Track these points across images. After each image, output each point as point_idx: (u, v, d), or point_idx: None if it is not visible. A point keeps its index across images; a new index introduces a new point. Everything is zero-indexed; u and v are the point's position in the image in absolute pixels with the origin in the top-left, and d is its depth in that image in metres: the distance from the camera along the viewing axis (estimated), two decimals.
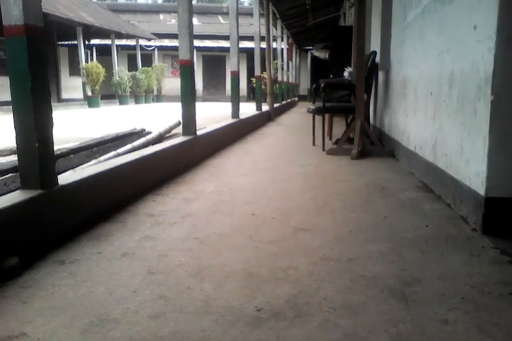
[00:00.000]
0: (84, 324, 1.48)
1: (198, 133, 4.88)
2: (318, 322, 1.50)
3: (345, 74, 6.66)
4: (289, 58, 19.86)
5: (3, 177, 2.90)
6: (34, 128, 2.11)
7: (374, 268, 1.93)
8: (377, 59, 6.03)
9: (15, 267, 1.83)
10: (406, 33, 4.56)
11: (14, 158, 3.03)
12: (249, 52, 18.98)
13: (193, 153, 4.57)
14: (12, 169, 3.03)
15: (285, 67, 18.67)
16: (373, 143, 5.26)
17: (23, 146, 2.16)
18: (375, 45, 6.64)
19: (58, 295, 1.69)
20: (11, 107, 2.15)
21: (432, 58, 3.45)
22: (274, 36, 15.16)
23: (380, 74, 6.14)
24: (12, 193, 2.21)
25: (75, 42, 18.79)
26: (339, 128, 6.77)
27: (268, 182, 3.74)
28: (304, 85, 28.13)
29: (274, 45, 15.86)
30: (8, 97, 2.14)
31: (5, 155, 3.83)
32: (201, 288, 1.74)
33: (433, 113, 3.40)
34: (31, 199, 2.07)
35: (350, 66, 6.86)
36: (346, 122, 6.34)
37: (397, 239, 2.31)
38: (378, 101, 6.30)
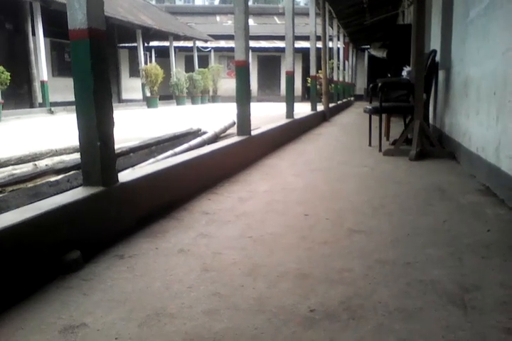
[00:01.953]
0: (141, 317, 1.53)
1: (253, 133, 4.91)
2: (372, 325, 1.47)
3: (404, 73, 6.50)
4: (346, 57, 19.59)
5: (67, 174, 3.03)
6: (96, 128, 2.20)
7: (432, 272, 1.88)
8: (438, 58, 5.84)
9: (77, 260, 1.91)
10: (468, 31, 4.39)
11: (77, 156, 3.16)
12: (304, 52, 18.88)
13: (247, 153, 4.60)
14: (75, 167, 3.17)
15: (341, 67, 18.44)
16: (433, 144, 5.10)
17: (85, 145, 2.25)
18: (435, 43, 6.43)
19: (117, 288, 1.75)
20: (74, 107, 2.25)
21: (497, 56, 3.30)
22: (330, 35, 15.00)
23: (440, 74, 5.94)
24: (75, 190, 2.31)
25: (135, 44, 19.39)
26: (397, 128, 6.62)
27: (322, 183, 3.70)
28: (361, 85, 27.68)
29: (330, 44, 15.70)
30: (72, 98, 2.24)
31: (68, 153, 4.01)
32: (254, 287, 1.75)
33: (496, 113, 3.25)
34: (93, 195, 2.16)
35: (409, 65, 6.69)
36: (404, 122, 6.18)
37: (456, 244, 2.23)
38: (438, 101, 6.10)
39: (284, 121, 7.10)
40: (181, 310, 1.58)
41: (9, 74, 10.45)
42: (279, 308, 1.58)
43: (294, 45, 7.77)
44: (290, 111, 7.53)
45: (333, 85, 15.81)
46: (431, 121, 6.47)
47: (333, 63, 16.92)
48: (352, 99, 22.10)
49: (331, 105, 12.04)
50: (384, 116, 6.18)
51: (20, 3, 12.86)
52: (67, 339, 1.39)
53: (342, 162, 4.72)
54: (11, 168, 3.33)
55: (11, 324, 1.47)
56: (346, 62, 19.99)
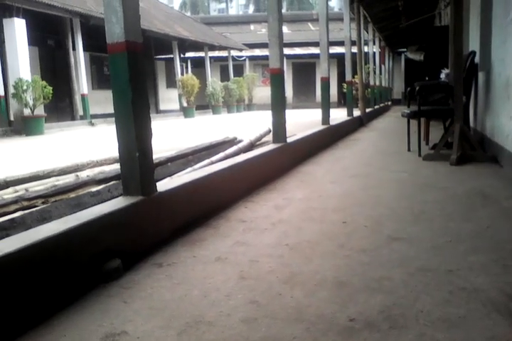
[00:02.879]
0: (180, 325, 1.54)
1: (288, 140, 4.90)
2: (414, 335, 1.43)
3: (442, 76, 6.36)
4: (382, 62, 19.36)
5: (107, 184, 3.11)
6: (135, 138, 2.24)
7: (475, 280, 1.81)
8: (477, 59, 5.69)
9: (117, 269, 1.95)
10: (509, 31, 4.26)
11: (117, 166, 3.24)
12: (339, 58, 18.78)
13: (283, 161, 4.59)
14: (115, 177, 3.24)
15: (377, 71, 18.23)
16: (474, 148, 4.96)
17: (124, 155, 2.30)
18: (473, 44, 6.27)
19: (156, 296, 1.77)
20: (114, 119, 2.31)
21: None
22: (365, 40, 14.88)
23: (480, 75, 5.78)
24: (115, 199, 2.36)
25: (171, 55, 19.76)
26: (436, 132, 6.47)
27: (360, 189, 3.66)
28: (398, 89, 27.25)
29: (365, 49, 15.57)
30: (111, 110, 2.30)
31: (109, 164, 4.10)
32: (292, 295, 1.74)
33: None
34: (132, 204, 2.20)
35: (447, 67, 6.54)
36: (444, 126, 6.04)
37: (500, 251, 2.15)
38: (479, 104, 5.93)
39: (319, 127, 7.06)
40: (219, 318, 1.58)
41: (51, 88, 10.83)
42: (317, 317, 1.56)
43: (328, 51, 7.74)
44: (326, 117, 7.49)
45: (369, 90, 15.63)
46: (471, 124, 6.29)
47: (369, 68, 16.75)
48: (389, 103, 21.78)
49: (367, 110, 11.90)
50: (423, 120, 6.06)
51: (61, 20, 13.35)
52: None
53: (380, 167, 4.65)
54: (54, 179, 3.44)
55: (55, 331, 1.51)
56: (382, 66, 19.74)
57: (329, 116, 7.55)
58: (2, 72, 11.27)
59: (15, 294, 1.54)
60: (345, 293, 1.75)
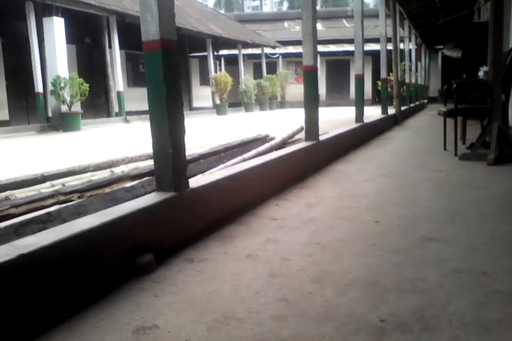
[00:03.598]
0: (210, 320, 1.55)
1: (321, 138, 4.87)
2: (447, 337, 1.40)
3: (480, 73, 6.19)
4: (418, 59, 18.99)
5: (141, 180, 3.15)
6: (168, 135, 2.27)
7: (511, 283, 1.76)
8: None
9: (150, 263, 1.98)
10: None
11: (151, 162, 3.28)
12: (374, 55, 18.50)
13: (315, 159, 4.57)
14: (149, 173, 3.28)
15: (413, 68, 17.89)
16: None
17: (158, 152, 2.33)
18: None
19: (187, 291, 1.79)
20: (148, 116, 2.34)
21: None
22: (401, 37, 14.61)
23: None
24: (148, 195, 2.40)
25: (205, 53, 19.89)
26: (473, 131, 6.31)
27: (394, 188, 3.60)
28: (434, 86, 26.68)
29: (401, 45, 15.29)
30: (146, 107, 2.33)
31: (143, 160, 4.16)
32: (322, 294, 1.73)
33: None
34: (165, 200, 2.23)
35: (486, 65, 6.37)
36: (482, 125, 5.88)
37: None
38: None
39: (353, 125, 6.98)
40: (249, 314, 1.58)
41: (88, 85, 11.07)
42: (348, 317, 1.55)
43: (363, 48, 7.64)
44: (360, 115, 7.40)
45: (404, 87, 15.37)
46: (510, 123, 6.10)
47: (404, 65, 16.46)
48: (425, 101, 21.36)
49: (402, 108, 11.70)
50: (459, 118, 5.91)
51: (98, 18, 13.61)
52: (140, 340, 1.44)
53: (415, 167, 4.57)
54: (89, 174, 3.52)
55: (87, 323, 1.55)
56: (419, 63, 19.37)
57: (363, 114, 7.47)
58: (41, 69, 11.58)
59: (50, 286, 1.59)
60: (377, 293, 1.73)
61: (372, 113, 9.57)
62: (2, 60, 12.39)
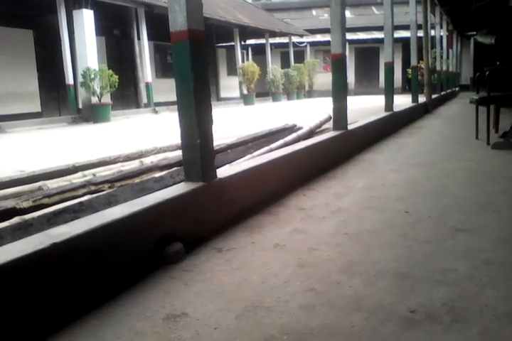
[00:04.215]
0: (238, 309, 1.57)
1: (349, 127, 4.81)
2: (478, 329, 1.38)
3: None
4: (449, 46, 18.51)
5: (170, 170, 3.19)
6: (196, 126, 2.28)
7: None
8: None
9: (179, 252, 2.01)
10: None
11: (179, 153, 3.31)
12: (404, 42, 18.11)
13: (343, 148, 4.52)
14: (177, 163, 3.31)
15: (444, 56, 17.46)
16: None
17: (186, 142, 2.35)
18: None
19: (216, 280, 1.81)
20: (176, 106, 2.35)
21: None
22: (431, 23, 14.25)
23: None
24: (177, 185, 2.42)
25: (232, 43, 19.84)
26: (507, 120, 6.13)
27: (424, 178, 3.54)
28: (466, 74, 26.00)
29: (432, 32, 14.93)
30: (174, 98, 2.34)
31: (171, 151, 4.20)
32: (351, 284, 1.72)
33: None
34: (193, 190, 2.25)
35: None
36: None
37: None
38: None
39: (382, 114, 6.88)
40: (277, 304, 1.59)
41: (117, 76, 11.20)
42: (376, 307, 1.54)
43: (393, 35, 7.49)
44: (389, 104, 7.29)
45: (435, 75, 15.03)
46: None
47: (435, 52, 16.08)
48: (457, 89, 20.85)
49: (433, 96, 11.46)
50: (492, 106, 5.75)
51: (127, 10, 13.70)
52: (170, 327, 1.46)
53: (446, 156, 4.48)
54: (119, 164, 3.57)
55: (119, 310, 1.58)
56: (450, 50, 18.88)
57: (393, 102, 7.35)
58: (72, 61, 11.77)
59: (83, 274, 1.63)
60: (407, 284, 1.71)
61: (402, 101, 9.40)
62: (34, 53, 12.63)
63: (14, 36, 11.94)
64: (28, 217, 2.22)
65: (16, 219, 2.18)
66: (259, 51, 23.76)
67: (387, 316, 1.48)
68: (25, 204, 2.40)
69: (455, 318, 1.45)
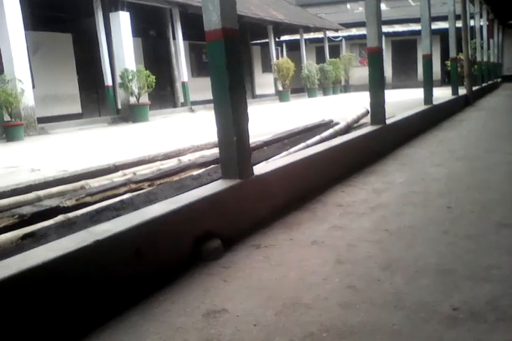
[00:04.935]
0: (277, 306, 1.57)
1: (388, 121, 4.73)
2: None
3: None
4: (490, 36, 17.92)
5: (207, 168, 3.21)
6: (232, 123, 2.30)
7: None
8: None
9: (217, 249, 2.03)
10: None
11: (216, 150, 3.33)
12: (442, 34, 17.63)
13: (382, 143, 4.45)
14: (214, 161, 3.34)
15: (485, 46, 16.92)
16: None
17: (223, 140, 2.36)
18: None
19: (255, 276, 1.82)
20: (212, 105, 2.37)
21: None
22: (471, 13, 13.83)
23: None
24: (214, 182, 2.44)
25: (267, 40, 19.80)
26: None
27: (466, 173, 3.45)
28: (509, 64, 25.13)
29: (471, 23, 14.49)
30: (210, 96, 2.36)
31: (208, 149, 4.24)
32: (392, 282, 1.70)
33: None
34: (231, 188, 2.26)
35: None
36: None
37: None
38: None
39: (421, 107, 6.73)
40: (317, 301, 1.58)
41: (154, 77, 11.38)
42: (418, 305, 1.51)
43: (430, 27, 7.32)
44: (428, 97, 7.12)
45: (476, 67, 14.58)
46: None
47: (475, 43, 15.60)
48: (499, 80, 20.17)
49: (474, 88, 11.12)
50: None
51: (162, 11, 13.89)
52: (210, 323, 1.48)
53: (489, 150, 4.34)
54: (158, 163, 3.63)
55: (161, 306, 1.61)
56: (491, 40, 18.28)
57: (432, 95, 7.18)
58: (110, 63, 12.03)
59: (124, 270, 1.67)
60: (449, 281, 1.67)
61: (442, 94, 9.16)
62: (74, 56, 12.98)
63: (55, 40, 12.31)
64: (71, 215, 2.29)
65: (60, 217, 2.25)
66: (293, 47, 23.65)
67: (429, 314, 1.45)
68: (68, 203, 2.47)
69: (500, 317, 1.41)
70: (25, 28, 8.83)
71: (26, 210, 2.34)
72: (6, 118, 8.48)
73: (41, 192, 2.70)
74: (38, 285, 1.37)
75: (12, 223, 2.22)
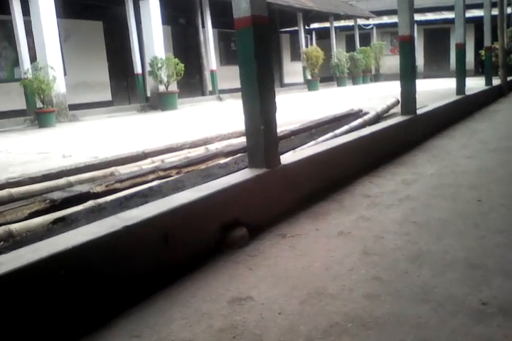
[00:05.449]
0: (302, 295, 1.57)
1: (418, 112, 4.64)
2: None
3: None
4: None
5: (234, 156, 3.22)
6: (260, 112, 2.29)
7: None
8: None
9: (243, 237, 2.04)
10: None
11: (243, 139, 3.34)
12: (476, 22, 17.11)
13: (412, 134, 4.37)
14: (241, 149, 3.35)
15: None
16: None
17: (250, 129, 2.36)
18: None
19: (280, 265, 1.82)
20: (240, 93, 2.36)
21: None
22: (508, 0, 13.38)
23: None
24: (241, 171, 2.45)
25: (296, 28, 19.60)
26: None
27: (499, 165, 3.36)
28: None
29: (508, 10, 14.01)
30: (238, 85, 2.35)
31: (236, 137, 4.24)
32: (419, 274, 1.68)
33: None
34: (257, 176, 2.26)
35: None
36: None
37: None
38: None
39: (453, 97, 6.58)
40: (342, 291, 1.58)
41: (183, 65, 11.41)
42: (445, 298, 1.49)
43: (464, 15, 7.11)
44: (461, 87, 6.96)
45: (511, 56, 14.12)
46: None
47: (511, 31, 15.10)
48: None
49: (509, 78, 10.79)
50: None
51: None
52: (235, 310, 1.49)
53: None
54: (186, 151, 3.66)
55: (186, 291, 1.63)
56: None
57: (464, 85, 7.01)
58: (139, 51, 12.12)
59: (152, 255, 1.69)
60: (478, 275, 1.64)
61: (475, 84, 8.93)
62: (104, 44, 13.12)
63: (85, 28, 12.45)
64: (101, 200, 2.33)
65: (90, 203, 2.29)
66: (323, 35, 23.34)
67: (457, 308, 1.43)
68: (98, 189, 2.52)
69: None
70: (58, 16, 8.96)
71: (57, 195, 2.40)
72: (39, 105, 8.67)
73: (72, 178, 2.76)
74: (67, 268, 1.41)
75: (43, 208, 2.28)
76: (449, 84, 8.30)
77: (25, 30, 9.18)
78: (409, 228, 2.16)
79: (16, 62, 9.89)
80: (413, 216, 2.32)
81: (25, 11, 8.88)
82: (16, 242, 1.87)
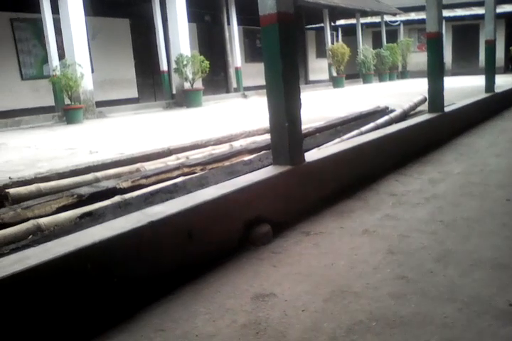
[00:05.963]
0: (326, 292, 1.56)
1: (446, 109, 4.56)
2: None
3: None
4: None
5: (259, 153, 3.22)
6: (284, 110, 2.28)
7: None
8: None
9: (267, 234, 2.04)
10: None
11: (268, 136, 3.33)
12: (508, 17, 16.75)
13: (439, 132, 4.30)
14: (266, 147, 3.34)
15: None
16: None
17: (274, 126, 2.36)
18: None
19: (304, 262, 1.82)
20: (265, 91, 2.36)
21: None
22: None
23: None
24: (265, 168, 2.45)
25: (321, 24, 19.47)
26: None
27: None
28: None
29: None
30: (262, 82, 2.35)
31: (260, 134, 4.24)
32: (445, 274, 1.65)
33: None
34: (281, 174, 2.26)
35: None
36: None
37: None
38: None
39: (482, 95, 6.45)
40: (366, 290, 1.57)
41: (208, 62, 11.46)
42: (472, 299, 1.47)
43: (495, 10, 6.94)
44: (490, 84, 6.81)
45: None
46: None
47: None
48: None
49: None
50: None
51: None
52: (258, 306, 1.50)
53: None
54: (210, 148, 3.67)
55: (211, 287, 1.65)
56: None
57: (494, 82, 6.86)
58: (165, 48, 12.22)
59: (177, 250, 1.71)
60: (506, 275, 1.61)
61: (505, 82, 8.73)
62: (131, 41, 13.27)
63: (113, 26, 12.62)
64: (127, 196, 2.36)
65: (116, 198, 2.32)
66: (349, 32, 23.12)
67: (484, 308, 1.41)
68: (124, 185, 2.55)
69: None
70: (86, 14, 9.10)
71: (84, 190, 2.44)
72: (67, 101, 8.82)
73: (99, 174, 2.80)
74: (94, 262, 1.43)
75: (71, 202, 2.32)
76: (478, 81, 8.13)
77: (54, 28, 9.35)
78: (436, 227, 2.13)
79: (45, 59, 10.07)
80: (440, 215, 2.29)
81: (55, 9, 9.04)
82: (44, 236, 1.91)
